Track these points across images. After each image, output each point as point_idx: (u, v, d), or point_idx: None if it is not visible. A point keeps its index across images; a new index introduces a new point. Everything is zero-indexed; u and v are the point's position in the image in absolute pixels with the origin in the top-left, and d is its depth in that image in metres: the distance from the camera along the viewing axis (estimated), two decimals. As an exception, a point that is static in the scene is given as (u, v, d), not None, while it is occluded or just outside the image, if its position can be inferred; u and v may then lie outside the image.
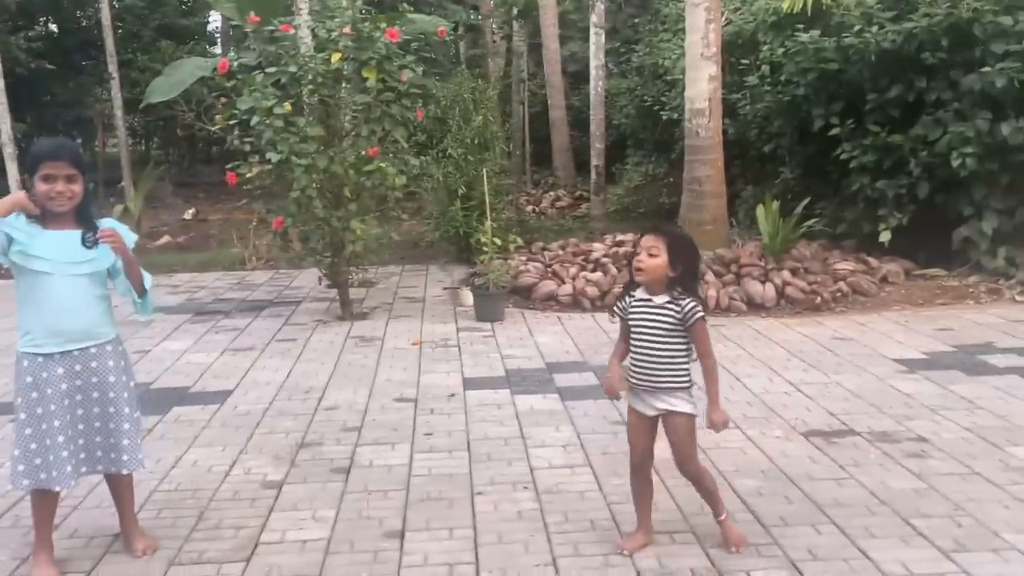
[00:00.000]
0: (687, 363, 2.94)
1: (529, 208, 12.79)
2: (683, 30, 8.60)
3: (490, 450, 4.07)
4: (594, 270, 7.57)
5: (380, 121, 6.42)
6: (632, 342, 2.97)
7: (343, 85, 6.58)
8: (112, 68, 13.78)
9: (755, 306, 6.84)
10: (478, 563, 3.02)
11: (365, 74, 6.32)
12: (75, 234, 2.94)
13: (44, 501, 3.00)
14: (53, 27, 19.25)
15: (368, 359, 5.73)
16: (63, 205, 2.88)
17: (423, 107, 7.11)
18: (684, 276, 2.91)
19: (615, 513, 3.37)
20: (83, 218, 2.97)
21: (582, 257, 7.94)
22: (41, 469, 2.90)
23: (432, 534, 3.24)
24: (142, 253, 11.26)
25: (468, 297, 7.17)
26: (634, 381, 2.97)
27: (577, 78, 16.67)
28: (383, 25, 6.78)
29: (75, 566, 3.06)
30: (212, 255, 10.31)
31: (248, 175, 6.26)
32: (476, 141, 8.84)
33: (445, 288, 8.10)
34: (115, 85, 13.84)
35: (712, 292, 6.81)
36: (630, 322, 2.98)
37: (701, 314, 2.88)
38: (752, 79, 9.15)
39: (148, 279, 3.21)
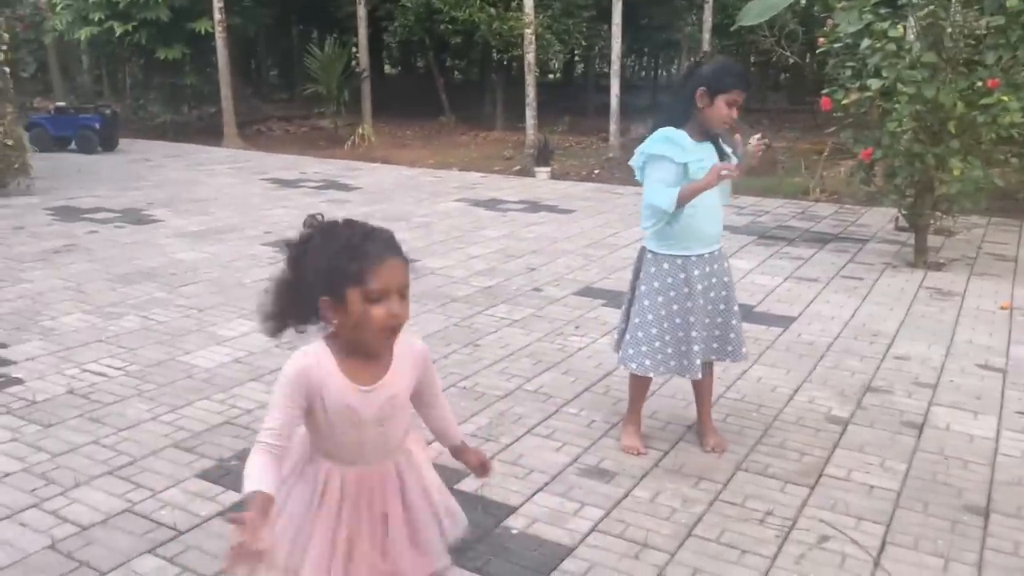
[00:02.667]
0: None
1: None
2: None
3: (1107, 451, 3.38)
4: None
5: (1013, 47, 5.53)
6: None
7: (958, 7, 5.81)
8: (708, -8, 14.40)
9: None
10: (1088, 576, 2.55)
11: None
12: (709, 145, 3.11)
13: (643, 382, 3.38)
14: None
15: (945, 314, 5.18)
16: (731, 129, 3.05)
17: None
18: None
19: None
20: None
21: None
22: (672, 358, 3.20)
23: (1026, 524, 2.83)
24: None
25: (1081, 265, 5.96)
26: None
27: None
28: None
29: (653, 444, 3.41)
30: (775, 181, 10.32)
31: (844, 101, 6.00)
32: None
33: (1046, 250, 6.87)
34: (708, 9, 14.47)
35: None
36: None
37: None
38: None
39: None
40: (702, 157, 3.05)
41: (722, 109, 2.99)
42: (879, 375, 4.17)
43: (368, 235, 1.69)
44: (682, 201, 2.99)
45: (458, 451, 2.04)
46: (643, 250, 3.27)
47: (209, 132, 15.28)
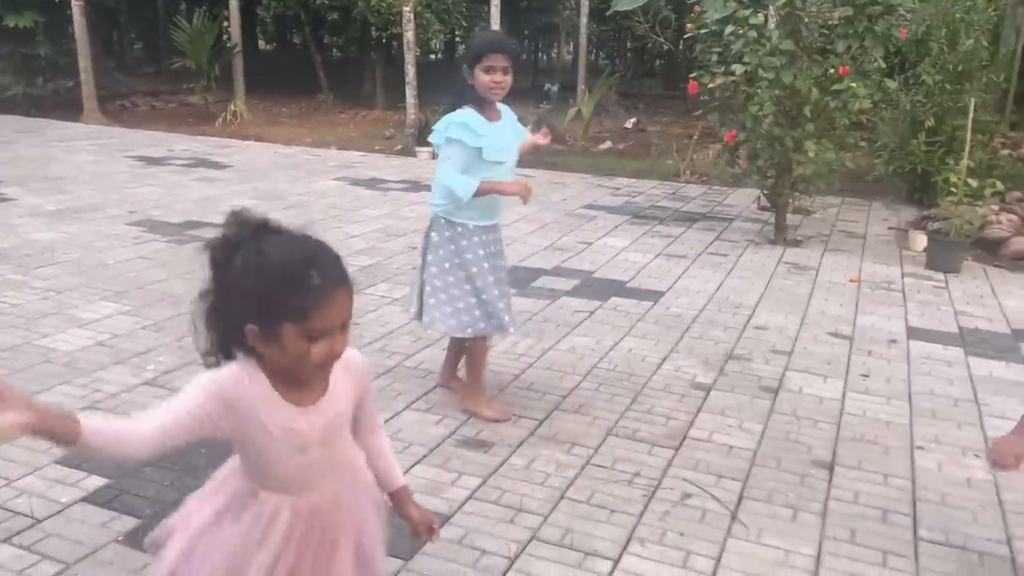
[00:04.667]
0: None
1: (1005, 152, 11.04)
2: None
3: (935, 407, 3.72)
4: (1089, 233, 6.33)
5: (860, 37, 5.94)
6: None
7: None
8: (584, -24, 14.66)
9: None
10: (916, 517, 2.82)
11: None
12: (503, 124, 3.25)
13: (480, 346, 3.46)
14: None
15: (801, 288, 5.54)
16: (500, 95, 3.16)
17: (907, 25, 6.41)
18: None
19: (1095, 512, 2.89)
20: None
21: (1073, 216, 6.67)
22: (480, 320, 3.33)
23: (865, 475, 3.09)
24: (588, 156, 12.05)
25: (920, 241, 6.50)
26: None
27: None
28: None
29: (529, 413, 3.51)
30: (648, 164, 10.69)
31: (710, 85, 6.28)
32: (959, 69, 7.77)
33: (891, 228, 7.43)
34: (585, -7, 14.73)
35: None
36: None
37: None
38: None
39: None
40: (496, 139, 3.19)
41: (482, 77, 3.10)
42: (740, 344, 4.43)
43: (313, 260, 1.41)
44: (479, 195, 3.16)
45: (400, 501, 1.80)
46: (434, 217, 3.39)
47: (67, 107, 14.35)
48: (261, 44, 27.43)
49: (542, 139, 3.52)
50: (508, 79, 3.14)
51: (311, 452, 1.55)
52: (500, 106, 3.29)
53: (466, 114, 3.15)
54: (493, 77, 3.11)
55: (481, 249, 3.32)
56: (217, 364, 1.51)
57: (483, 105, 3.19)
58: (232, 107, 13.81)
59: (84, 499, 2.71)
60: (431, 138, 3.32)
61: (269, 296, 1.39)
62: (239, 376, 1.48)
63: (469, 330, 3.36)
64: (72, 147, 10.63)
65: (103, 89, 14.63)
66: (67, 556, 2.40)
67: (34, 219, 6.56)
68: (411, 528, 1.80)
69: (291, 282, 1.38)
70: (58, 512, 2.64)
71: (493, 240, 3.39)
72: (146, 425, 1.41)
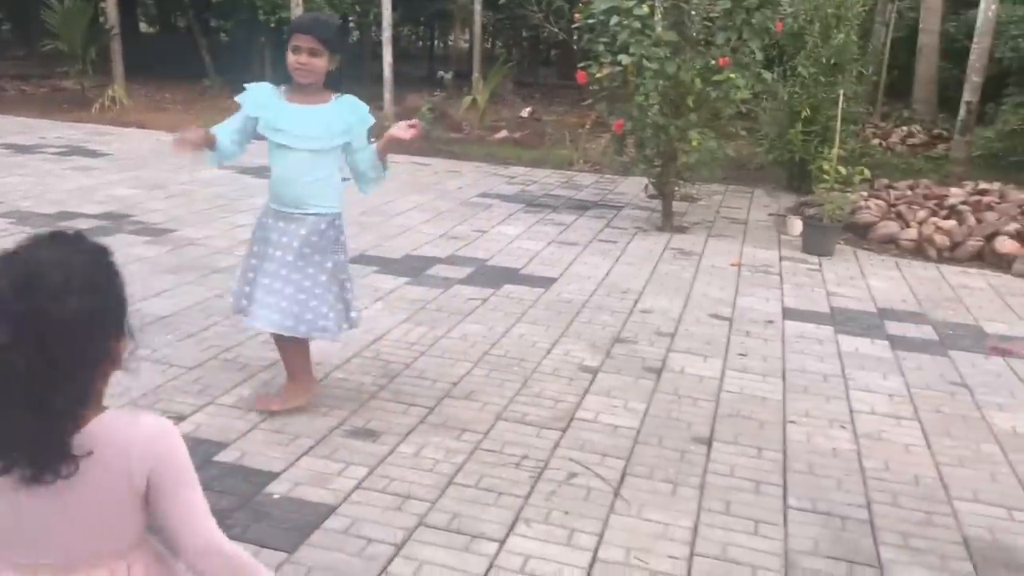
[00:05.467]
0: None
1: (875, 141, 11.71)
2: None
3: (807, 383, 3.93)
4: (947, 217, 6.79)
5: (738, 29, 6.17)
6: None
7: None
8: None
9: None
10: (786, 487, 2.98)
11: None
12: (316, 110, 3.14)
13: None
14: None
15: (685, 272, 5.73)
16: (305, 77, 3.08)
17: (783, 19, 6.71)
18: None
19: (944, 475, 3.12)
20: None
21: (934, 201, 7.14)
22: (242, 297, 3.30)
23: (740, 449, 3.24)
24: (484, 144, 12.00)
25: (796, 226, 6.82)
26: None
27: (957, 2, 14.61)
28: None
29: (420, 401, 3.51)
30: (543, 153, 10.80)
31: (598, 75, 6.40)
32: (832, 62, 8.18)
33: (771, 214, 7.78)
34: (479, -19, 14.70)
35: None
36: None
37: None
38: None
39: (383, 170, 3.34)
40: (283, 121, 3.13)
41: (289, 57, 3.10)
42: (627, 327, 4.56)
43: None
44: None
45: None
46: None
47: (-76, 90, 13.33)
48: (143, 27, 26.18)
49: (402, 132, 3.16)
50: (315, 61, 3.04)
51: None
52: (341, 97, 3.18)
53: (262, 85, 3.22)
54: (298, 58, 3.05)
55: (274, 235, 3.20)
56: (71, 432, 1.19)
57: (294, 86, 3.15)
58: (110, 92, 13.12)
59: None
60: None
61: (120, 299, 1.25)
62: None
63: (231, 299, 3.41)
64: (-70, 134, 9.90)
65: (-34, 71, 13.65)
66: None
67: None
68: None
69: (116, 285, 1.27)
70: None
71: (286, 231, 3.18)
72: None
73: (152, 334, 4.01)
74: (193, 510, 1.28)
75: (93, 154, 9.11)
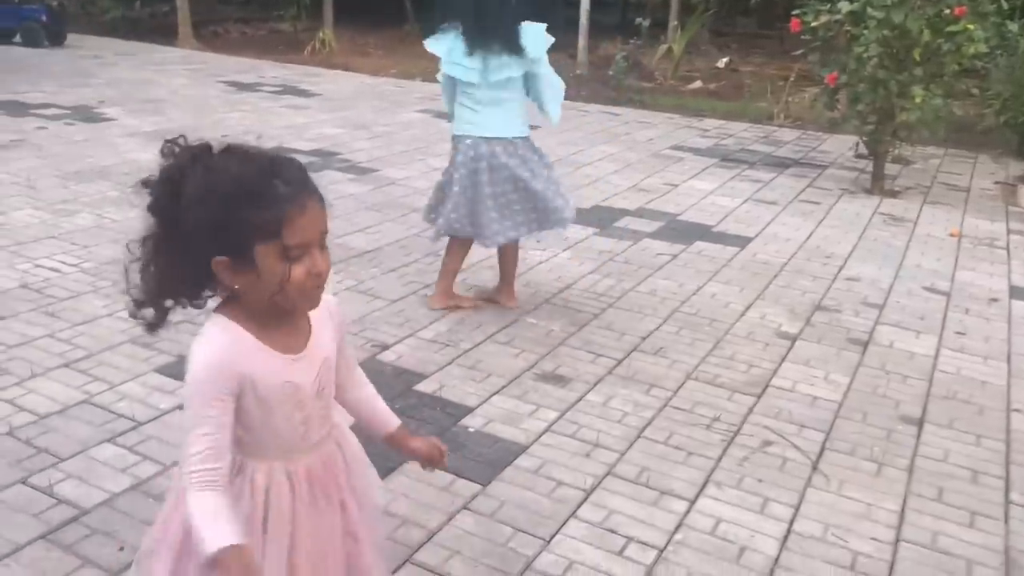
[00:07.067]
0: None
1: None
2: None
3: (1036, 370, 3.56)
4: None
5: (982, -25, 5.54)
6: None
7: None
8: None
9: None
10: (1008, 480, 2.72)
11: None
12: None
13: (452, 245, 3.81)
14: None
15: (897, 240, 5.31)
16: None
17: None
18: None
19: None
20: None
21: None
22: (468, 225, 3.66)
23: (955, 434, 2.99)
24: (677, 95, 11.65)
25: (1029, 197, 6.13)
26: None
27: None
28: None
29: (608, 352, 3.49)
30: (741, 105, 10.33)
31: (813, 23, 5.98)
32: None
33: (997, 182, 7.03)
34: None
35: None
36: None
37: None
38: None
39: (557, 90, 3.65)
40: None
41: None
42: (829, 295, 4.30)
43: (274, 171, 1.26)
44: None
45: (401, 439, 1.61)
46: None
47: (162, 31, 14.66)
48: (350, -27, 27.33)
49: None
50: None
51: (308, 407, 1.40)
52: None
53: (442, 38, 3.58)
54: None
55: (484, 162, 3.61)
56: (159, 318, 1.35)
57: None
58: (320, 36, 13.88)
59: (179, 407, 2.84)
60: (531, 51, 3.47)
61: (232, 217, 1.23)
62: (227, 336, 1.32)
63: (456, 226, 3.72)
64: (167, 71, 10.90)
65: (196, 15, 14.87)
66: (166, 458, 2.53)
67: (132, 139, 6.78)
68: (422, 459, 1.62)
69: (254, 196, 1.23)
70: (157, 417, 2.77)
71: (497, 153, 3.60)
72: (217, 477, 1.29)
73: (358, 267, 4.24)
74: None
75: (304, 94, 9.69)
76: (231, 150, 1.30)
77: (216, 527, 1.24)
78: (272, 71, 11.56)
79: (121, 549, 2.10)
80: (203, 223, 1.24)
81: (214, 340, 1.32)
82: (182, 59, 12.28)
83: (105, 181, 5.54)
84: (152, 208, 1.29)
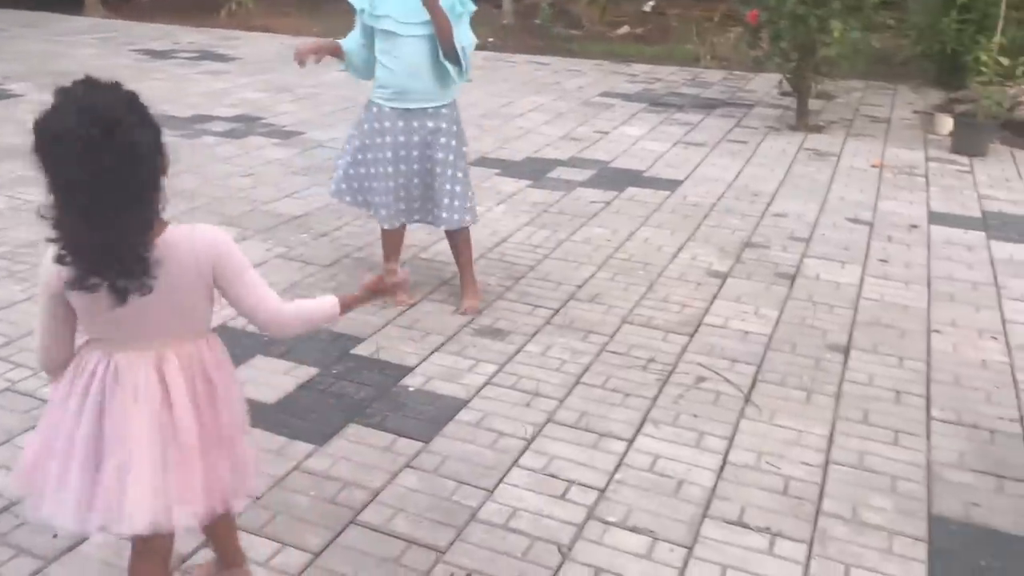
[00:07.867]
0: None
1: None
2: None
3: (954, 291, 3.70)
4: (1124, 113, 6.12)
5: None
6: None
7: None
8: None
9: None
10: (929, 398, 2.85)
11: None
12: None
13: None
14: None
15: (821, 174, 5.43)
16: None
17: None
18: None
19: (1109, 392, 2.90)
20: None
21: (1109, 96, 6.43)
22: (358, 193, 3.44)
23: (880, 358, 3.11)
24: (605, 41, 11.56)
25: (946, 124, 6.31)
26: None
27: None
28: None
29: (545, 303, 3.52)
30: (667, 49, 10.33)
31: (732, -39, 5.98)
32: (997, -61, 7.33)
33: (916, 112, 7.21)
34: None
35: None
36: None
37: None
38: None
39: (466, 45, 3.19)
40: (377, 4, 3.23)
41: None
42: (758, 232, 4.39)
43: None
44: None
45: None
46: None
47: (67, 0, 13.96)
48: (263, -70, 26.32)
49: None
50: None
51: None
52: None
53: None
54: None
55: (392, 136, 3.32)
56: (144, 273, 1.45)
57: None
58: (236, -3, 13.37)
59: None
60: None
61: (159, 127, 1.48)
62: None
63: (347, 199, 3.54)
64: (75, 41, 10.40)
65: (103, -20, 14.17)
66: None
67: (43, 116, 6.48)
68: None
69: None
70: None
71: (411, 129, 3.31)
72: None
73: (287, 233, 4.16)
74: (257, 287, 1.57)
75: (223, 58, 9.37)
76: (90, 82, 1.47)
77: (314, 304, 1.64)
78: (187, 36, 11.13)
79: (55, 536, 2.06)
80: (147, 143, 1.45)
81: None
82: (90, 28, 11.72)
83: (16, 161, 5.30)
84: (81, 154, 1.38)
